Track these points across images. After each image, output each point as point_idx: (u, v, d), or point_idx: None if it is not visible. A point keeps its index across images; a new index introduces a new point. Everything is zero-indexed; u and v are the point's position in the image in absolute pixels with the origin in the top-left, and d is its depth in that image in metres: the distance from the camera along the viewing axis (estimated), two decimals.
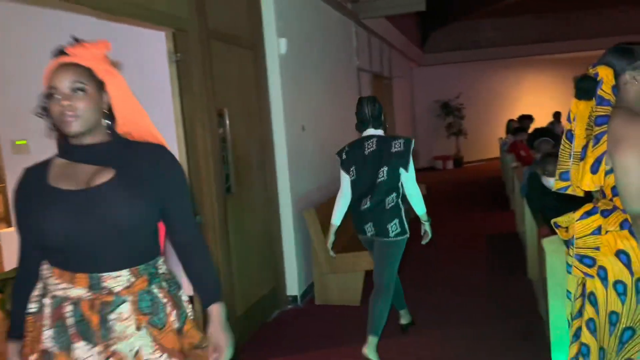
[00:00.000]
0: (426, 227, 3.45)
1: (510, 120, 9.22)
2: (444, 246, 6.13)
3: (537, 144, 4.69)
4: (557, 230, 2.05)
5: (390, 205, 3.29)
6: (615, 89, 1.87)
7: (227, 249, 3.57)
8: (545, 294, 3.05)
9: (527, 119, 8.91)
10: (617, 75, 1.87)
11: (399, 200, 3.31)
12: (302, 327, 4.10)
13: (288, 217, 4.50)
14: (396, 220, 3.29)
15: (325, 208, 4.77)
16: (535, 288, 4.25)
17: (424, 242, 3.49)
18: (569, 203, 2.16)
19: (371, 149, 3.34)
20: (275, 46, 4.37)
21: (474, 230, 6.84)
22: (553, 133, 4.83)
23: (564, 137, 1.97)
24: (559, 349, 2.85)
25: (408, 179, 3.28)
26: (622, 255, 1.78)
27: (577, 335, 1.93)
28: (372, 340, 3.22)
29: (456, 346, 3.56)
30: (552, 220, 2.06)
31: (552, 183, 3.72)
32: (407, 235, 3.34)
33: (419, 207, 3.37)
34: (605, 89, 1.85)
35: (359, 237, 3.54)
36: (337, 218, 3.49)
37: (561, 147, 1.98)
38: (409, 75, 12.64)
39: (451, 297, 4.51)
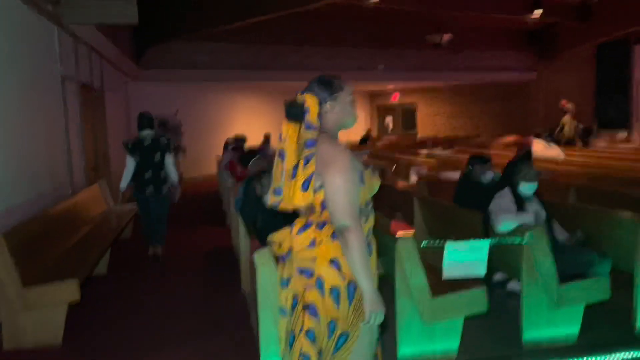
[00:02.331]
0: (178, 189, 5.94)
1: (228, 140, 9.50)
2: (162, 261, 6.00)
3: (251, 162, 4.89)
4: (272, 247, 2.13)
5: (163, 176, 5.78)
6: (320, 116, 2.05)
7: None
8: (256, 307, 3.12)
9: (241, 139, 9.36)
10: (320, 103, 2.04)
11: (167, 173, 5.77)
12: None
13: None
14: (167, 184, 5.83)
15: (19, 232, 4.08)
16: (248, 301, 4.37)
17: (175, 201, 6.00)
18: (280, 218, 2.27)
19: (148, 143, 5.74)
20: None
21: (192, 245, 6.79)
22: (265, 153, 5.13)
23: (276, 155, 2.08)
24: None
25: (168, 161, 5.78)
26: (334, 263, 1.96)
27: (292, 345, 2.01)
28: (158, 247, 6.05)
29: None
30: (268, 237, 2.14)
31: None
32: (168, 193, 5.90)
33: (174, 176, 5.83)
34: (312, 116, 2.01)
35: (138, 197, 5.85)
36: (123, 184, 5.76)
37: (274, 165, 2.08)
38: (124, 89, 12.00)
39: (168, 311, 4.37)
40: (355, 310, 1.97)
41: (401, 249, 3.17)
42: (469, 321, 3.36)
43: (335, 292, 1.95)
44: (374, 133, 20.22)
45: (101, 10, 6.57)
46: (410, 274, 3.18)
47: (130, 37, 11.47)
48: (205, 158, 14.05)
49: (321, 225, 1.99)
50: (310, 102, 2.02)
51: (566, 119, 13.58)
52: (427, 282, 3.20)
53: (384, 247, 3.35)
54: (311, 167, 1.97)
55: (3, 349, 3.76)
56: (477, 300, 3.27)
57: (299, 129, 2.02)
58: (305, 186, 1.97)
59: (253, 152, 4.92)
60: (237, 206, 4.54)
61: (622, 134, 14.33)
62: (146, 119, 5.80)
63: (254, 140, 11.32)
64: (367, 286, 1.93)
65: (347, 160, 1.97)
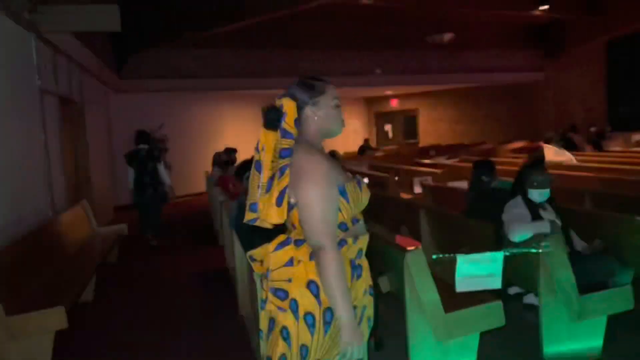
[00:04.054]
0: (173, 190, 7.91)
1: (217, 153, 9.46)
2: (151, 286, 6.04)
3: (246, 175, 4.88)
4: (252, 264, 2.08)
5: (159, 179, 7.62)
6: (298, 122, 1.99)
7: None
8: (258, 329, 3.13)
9: (233, 151, 9.36)
10: (299, 109, 2.00)
11: (161, 177, 7.66)
12: None
13: None
14: (163, 185, 7.68)
15: (9, 251, 4.13)
16: (248, 323, 4.38)
17: (171, 200, 7.96)
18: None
19: (142, 154, 7.58)
20: None
21: (184, 267, 6.82)
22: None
23: (252, 167, 2.02)
24: None
25: (160, 168, 7.64)
26: (312, 286, 1.88)
27: None
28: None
29: None
30: (248, 254, 2.08)
31: None
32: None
33: (167, 179, 7.74)
34: (289, 122, 1.95)
35: (140, 199, 7.62)
36: (130, 184, 7.63)
37: (250, 177, 2.03)
38: (105, 101, 12.07)
39: (162, 337, 4.42)
40: (332, 339, 1.90)
41: (410, 263, 3.17)
42: (485, 337, 3.38)
43: (309, 318, 1.88)
44: (373, 142, 20.33)
45: (80, 17, 6.65)
46: (421, 289, 3.19)
47: (110, 46, 11.56)
48: (193, 174, 14.02)
49: (300, 242, 1.93)
50: (288, 106, 1.97)
51: None
52: (439, 297, 3.21)
53: (390, 262, 3.46)
54: (285, 180, 1.92)
55: None
56: (493, 315, 3.28)
57: (277, 138, 1.98)
58: (280, 201, 1.91)
59: (248, 164, 4.93)
60: (231, 224, 4.56)
61: (637, 136, 14.48)
62: (142, 135, 7.77)
63: (245, 153, 11.34)
64: (344, 314, 1.85)
65: (322, 171, 1.91)
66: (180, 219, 10.75)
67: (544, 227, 3.78)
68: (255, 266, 2.07)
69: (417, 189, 8.04)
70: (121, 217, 9.79)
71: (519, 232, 3.74)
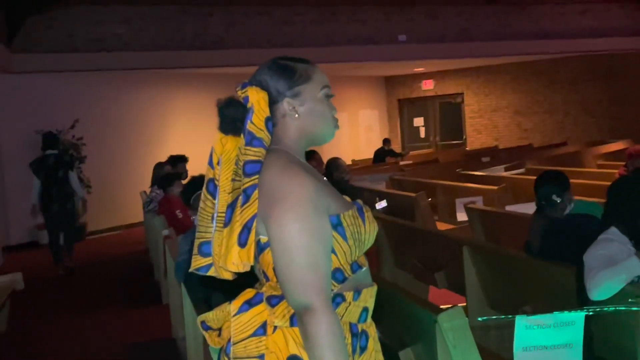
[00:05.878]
0: (85, 203, 10.24)
1: (159, 165, 9.40)
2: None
3: (195, 197, 4.81)
4: (206, 334, 2.10)
5: (69, 191, 9.32)
6: (271, 122, 1.98)
7: None
8: None
9: (180, 160, 9.17)
10: (273, 102, 2.00)
11: (72, 188, 9.51)
12: None
13: None
14: (73, 200, 9.54)
15: None
16: None
17: (82, 215, 10.89)
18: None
19: (51, 161, 9.13)
20: None
21: (106, 338, 6.78)
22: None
23: (204, 189, 2.03)
24: None
25: (72, 177, 9.45)
26: None
27: None
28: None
29: None
30: (199, 319, 2.10)
31: None
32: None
33: (79, 190, 9.70)
34: (257, 122, 1.95)
35: (45, 214, 9.31)
36: (34, 200, 9.20)
37: (201, 204, 2.05)
38: None
39: None
40: None
41: (446, 329, 3.09)
42: None
43: None
44: (397, 144, 20.26)
45: None
46: None
47: None
48: (124, 196, 13.81)
49: (276, 301, 1.93)
50: (256, 99, 1.96)
51: None
52: None
53: (416, 328, 3.40)
54: (252, 208, 1.91)
55: None
56: None
57: (239, 146, 1.98)
58: (244, 239, 1.90)
59: (198, 183, 4.82)
60: (178, 273, 4.53)
61: None
62: (51, 139, 9.30)
63: (201, 162, 11.00)
64: None
65: (305, 195, 1.90)
66: (105, 263, 10.72)
67: (635, 265, 3.50)
68: (211, 337, 2.08)
69: (462, 216, 8.03)
70: (14, 261, 10.15)
71: (600, 285, 3.51)
